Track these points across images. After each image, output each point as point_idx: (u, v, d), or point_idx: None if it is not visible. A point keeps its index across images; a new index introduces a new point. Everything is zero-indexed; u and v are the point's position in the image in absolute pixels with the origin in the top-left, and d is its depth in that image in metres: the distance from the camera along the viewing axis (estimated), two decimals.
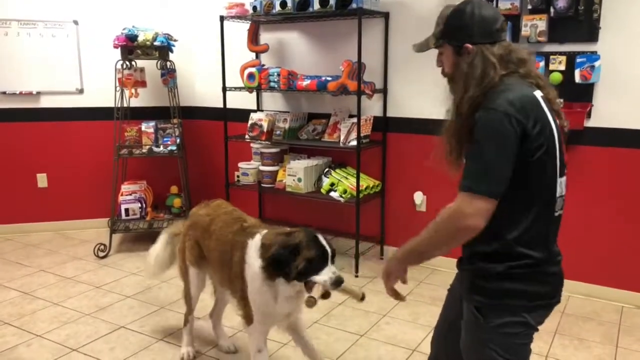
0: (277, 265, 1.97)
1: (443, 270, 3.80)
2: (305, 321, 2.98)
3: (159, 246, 2.73)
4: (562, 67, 3.20)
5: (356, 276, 3.76)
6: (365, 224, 3.93)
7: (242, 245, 2.15)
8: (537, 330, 1.54)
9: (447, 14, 1.55)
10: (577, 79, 3.14)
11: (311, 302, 1.98)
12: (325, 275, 1.94)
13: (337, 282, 1.93)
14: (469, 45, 1.48)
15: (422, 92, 3.59)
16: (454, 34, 1.52)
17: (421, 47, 1.66)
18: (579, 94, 3.21)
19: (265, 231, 2.18)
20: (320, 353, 2.46)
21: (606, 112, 3.17)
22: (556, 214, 1.50)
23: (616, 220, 3.25)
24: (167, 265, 2.76)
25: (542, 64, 3.23)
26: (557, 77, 3.21)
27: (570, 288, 3.41)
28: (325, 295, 2.00)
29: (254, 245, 2.11)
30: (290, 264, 1.95)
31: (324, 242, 1.99)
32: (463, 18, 1.50)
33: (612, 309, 3.24)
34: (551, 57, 3.23)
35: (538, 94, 1.47)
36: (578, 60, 3.14)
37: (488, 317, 1.48)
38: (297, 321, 2.34)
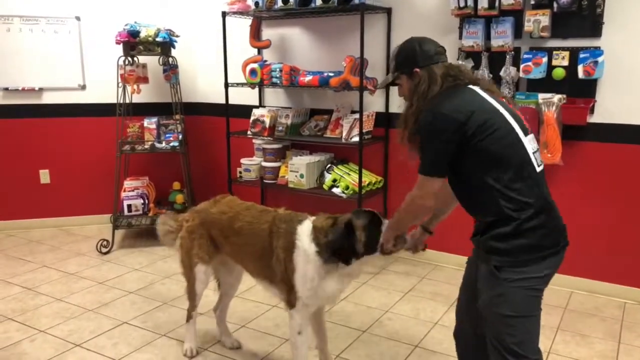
0: (341, 250, 2.05)
1: (444, 267, 3.81)
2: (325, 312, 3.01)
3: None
4: (565, 63, 3.19)
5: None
6: None
7: (289, 232, 2.21)
8: (550, 278, 1.76)
9: (395, 53, 1.96)
10: (581, 74, 3.13)
11: (401, 242, 2.04)
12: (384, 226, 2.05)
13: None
14: (417, 69, 1.86)
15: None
16: (405, 65, 1.90)
17: (383, 83, 2.14)
18: (582, 90, 3.20)
19: (313, 217, 2.25)
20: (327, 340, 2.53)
21: (609, 108, 3.16)
22: (538, 169, 1.74)
23: (619, 216, 3.24)
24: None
25: (545, 59, 3.22)
26: (560, 73, 3.20)
27: (573, 284, 3.41)
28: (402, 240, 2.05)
29: (305, 231, 2.17)
30: (353, 244, 2.03)
31: (369, 209, 2.11)
32: (408, 51, 1.90)
33: (614, 305, 3.23)
34: (554, 52, 3.21)
35: (477, 88, 1.81)
36: (581, 55, 3.12)
37: (505, 274, 1.70)
38: (321, 313, 2.45)
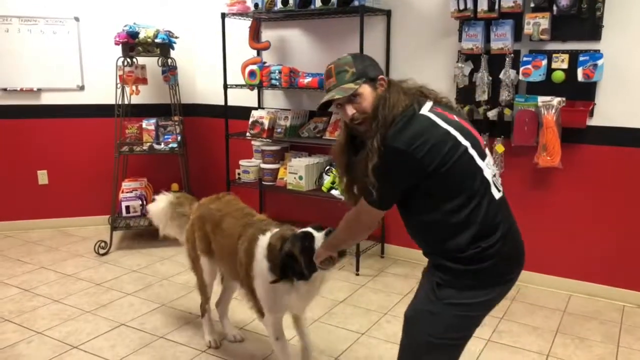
0: (285, 273, 2.06)
1: None
2: (306, 319, 3.00)
3: (159, 205, 2.80)
4: (565, 66, 3.19)
5: (357, 274, 3.75)
6: None
7: (252, 239, 2.22)
8: (494, 304, 1.70)
9: (350, 60, 1.70)
10: (580, 77, 3.12)
11: (331, 262, 1.99)
12: (319, 243, 2.00)
13: (330, 233, 1.99)
14: (384, 77, 1.69)
15: None
16: (368, 71, 1.68)
17: (344, 92, 1.68)
18: (581, 93, 3.20)
19: (275, 230, 2.23)
20: (312, 343, 2.53)
21: (609, 111, 3.16)
22: (497, 195, 1.65)
23: (618, 220, 3.24)
24: (165, 221, 2.80)
25: (544, 62, 3.21)
26: (559, 76, 3.20)
27: (572, 287, 3.40)
28: (341, 254, 2.00)
29: (263, 243, 2.17)
30: (297, 269, 2.03)
31: (304, 229, 2.07)
32: (366, 59, 1.74)
33: (613, 308, 3.23)
34: (554, 55, 3.21)
35: (428, 111, 1.62)
36: (581, 58, 3.12)
37: (444, 292, 1.63)
38: (301, 317, 2.43)
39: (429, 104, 1.66)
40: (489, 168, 1.64)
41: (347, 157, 1.79)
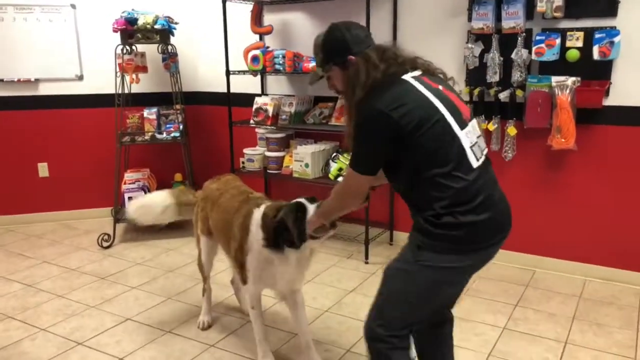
0: (276, 238, 2.08)
1: None
2: (316, 309, 2.94)
3: (156, 197, 2.78)
4: (580, 44, 3.07)
5: (366, 262, 3.67)
6: (375, 210, 3.83)
7: (247, 213, 2.27)
8: (474, 270, 1.74)
9: (320, 43, 1.81)
10: (596, 55, 3.01)
11: (322, 230, 2.01)
12: (311, 213, 2.01)
13: (320, 205, 2.00)
14: (352, 57, 1.73)
15: None
16: (336, 54, 1.76)
17: (313, 79, 1.92)
18: (597, 72, 3.09)
19: (268, 202, 2.29)
20: (310, 332, 2.50)
21: (626, 90, 3.04)
22: (476, 164, 1.64)
23: (635, 202, 3.14)
24: (152, 216, 2.76)
25: (558, 41, 3.10)
26: (574, 55, 3.09)
27: (588, 272, 3.32)
28: (332, 224, 2.03)
29: (257, 215, 2.21)
30: (288, 237, 2.05)
31: (297, 199, 2.08)
32: (337, 39, 1.77)
33: (631, 292, 3.14)
34: (568, 33, 3.09)
35: (411, 77, 1.68)
36: (596, 36, 3.00)
37: (423, 255, 1.65)
38: (296, 296, 2.41)
39: (415, 72, 1.71)
40: (467, 137, 1.65)
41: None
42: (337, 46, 1.76)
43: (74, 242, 4.10)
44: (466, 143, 1.64)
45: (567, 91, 3.10)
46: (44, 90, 4.38)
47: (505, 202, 1.75)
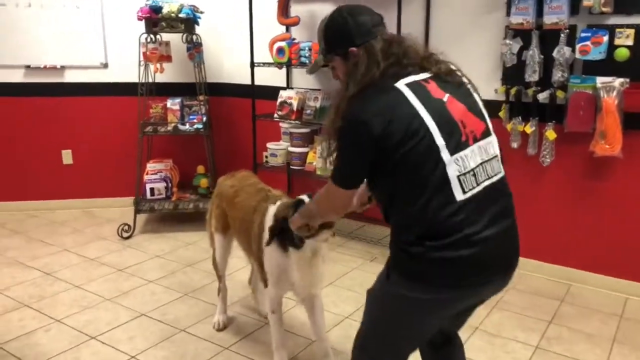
0: (279, 237, 2.02)
1: None
2: (336, 315, 2.82)
3: None
4: (630, 42, 2.84)
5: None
6: None
7: (264, 211, 2.20)
8: (450, 307, 1.53)
9: (322, 30, 1.64)
10: None
11: (307, 230, 1.85)
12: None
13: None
14: (354, 49, 1.54)
15: (467, 67, 3.27)
16: (337, 45, 1.59)
17: (312, 69, 1.81)
18: None
19: (285, 199, 2.20)
20: (328, 339, 2.42)
21: None
22: (460, 197, 1.41)
23: None
24: None
25: (605, 38, 2.88)
26: (623, 54, 2.87)
27: (629, 289, 3.09)
28: (325, 225, 1.88)
29: (271, 214, 2.13)
30: (290, 236, 1.96)
31: (299, 196, 1.99)
32: (339, 28, 1.58)
33: None
34: (617, 30, 2.87)
35: (407, 84, 1.47)
36: None
37: (392, 279, 1.51)
38: (314, 300, 2.32)
39: (419, 76, 1.50)
40: (456, 164, 1.42)
41: None
42: (339, 35, 1.58)
43: (95, 231, 4.08)
44: (453, 171, 1.41)
45: (614, 93, 2.89)
46: (70, 77, 4.36)
47: (510, 238, 1.51)
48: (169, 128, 4.13)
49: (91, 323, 2.75)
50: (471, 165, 1.44)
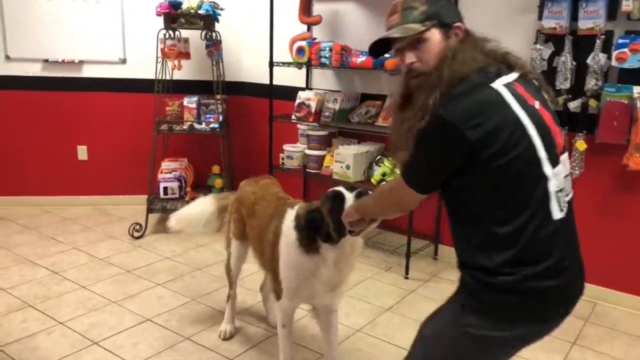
0: (310, 232, 1.88)
1: None
2: (347, 328, 2.70)
3: (199, 205, 2.63)
4: None
5: (406, 277, 3.39)
6: (419, 220, 3.54)
7: (281, 215, 2.09)
8: (527, 342, 1.38)
9: None
10: None
11: (360, 225, 1.74)
12: (349, 202, 1.77)
13: (360, 194, 1.78)
14: (461, 24, 1.33)
15: None
16: (443, 13, 1.33)
17: (407, 32, 1.34)
18: None
19: (303, 204, 2.10)
20: (339, 357, 2.29)
21: None
22: (557, 216, 1.28)
23: None
24: (197, 226, 2.62)
25: None
26: None
27: None
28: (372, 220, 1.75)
29: (290, 217, 2.02)
30: (323, 228, 1.84)
31: (336, 188, 1.86)
32: None
33: None
34: None
35: (503, 85, 1.28)
36: None
37: (467, 318, 1.33)
38: (331, 317, 2.21)
39: (508, 77, 1.32)
40: (556, 179, 1.29)
41: (400, 115, 1.44)
42: (446, 2, 1.36)
43: (106, 230, 4.02)
44: (553, 187, 1.28)
45: None
46: (88, 72, 4.32)
47: (582, 267, 1.41)
48: (185, 127, 4.05)
49: (95, 327, 2.67)
50: (561, 182, 1.32)
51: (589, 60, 2.85)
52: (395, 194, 1.45)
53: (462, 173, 1.28)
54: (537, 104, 1.33)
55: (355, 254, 1.97)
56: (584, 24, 2.85)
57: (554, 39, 2.98)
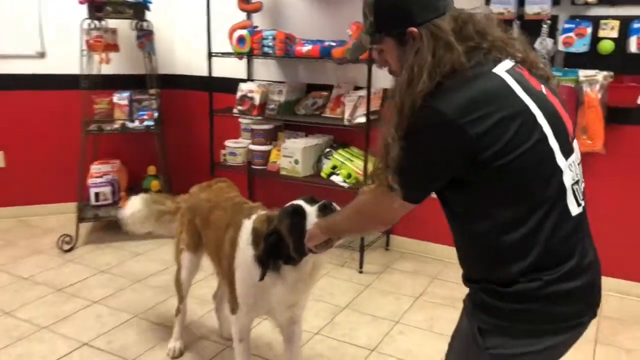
0: (269, 258, 1.71)
1: (456, 263, 3.31)
2: (305, 332, 2.53)
3: (136, 204, 2.40)
4: (614, 34, 2.72)
5: (360, 272, 3.28)
6: None
7: (237, 226, 1.93)
8: (556, 355, 1.24)
9: (372, 2, 1.23)
10: (633, 48, 2.67)
11: (326, 245, 1.58)
12: (312, 219, 1.60)
13: (325, 208, 1.60)
14: (414, 29, 1.17)
15: None
16: (392, 22, 1.21)
17: (355, 52, 1.43)
18: (632, 66, 2.72)
19: (262, 212, 1.93)
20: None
21: None
22: (575, 211, 1.17)
23: None
24: (143, 223, 2.42)
25: (589, 30, 2.74)
26: (607, 46, 2.74)
27: (611, 287, 2.95)
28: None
29: (247, 229, 1.86)
30: (283, 251, 1.68)
31: (294, 202, 1.70)
32: (396, 0, 1.20)
33: None
34: (601, 22, 2.74)
35: (504, 72, 1.15)
36: (634, 25, 2.64)
37: (490, 341, 1.19)
38: (294, 327, 2.07)
39: (507, 63, 1.19)
40: (570, 170, 1.17)
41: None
42: (394, 8, 1.20)
43: (30, 244, 3.61)
44: (568, 179, 1.16)
45: (597, 87, 2.73)
46: (1, 68, 3.86)
47: (599, 264, 1.28)
48: (116, 126, 3.72)
49: (23, 359, 2.35)
50: (577, 174, 1.20)
51: (536, 45, 2.85)
52: (376, 207, 1.27)
53: (464, 176, 1.14)
54: (544, 89, 1.21)
55: (317, 273, 1.81)
56: (530, 9, 2.85)
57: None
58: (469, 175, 1.13)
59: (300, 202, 1.68)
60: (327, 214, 1.58)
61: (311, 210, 1.62)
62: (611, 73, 2.73)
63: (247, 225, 1.86)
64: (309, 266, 1.73)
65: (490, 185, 1.13)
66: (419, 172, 1.17)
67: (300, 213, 1.63)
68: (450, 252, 3.33)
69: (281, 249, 1.67)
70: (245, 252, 1.82)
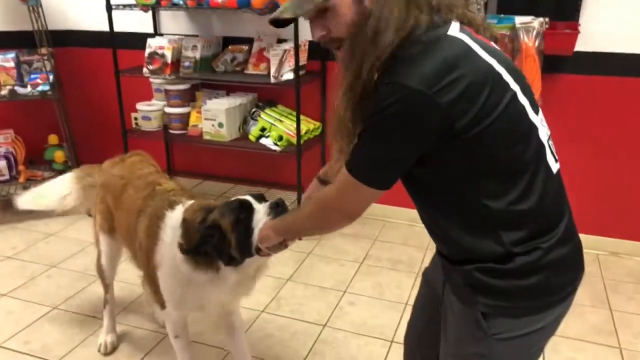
0: (211, 259, 1.52)
1: (396, 223, 3.30)
2: (250, 311, 2.40)
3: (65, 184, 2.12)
4: None
5: (300, 238, 3.14)
6: (304, 174, 3.28)
7: (156, 216, 1.69)
8: (553, 331, 1.19)
9: None
10: None
11: (280, 247, 1.41)
12: (260, 217, 1.45)
13: (277, 206, 1.45)
14: None
15: None
16: None
17: (297, 9, 1.09)
18: (562, 11, 2.70)
19: (189, 202, 1.68)
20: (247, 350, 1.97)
21: (594, 34, 2.67)
22: (555, 168, 1.12)
23: (605, 160, 2.85)
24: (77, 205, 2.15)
25: None
26: None
27: None
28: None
29: (173, 220, 1.63)
30: (226, 249, 1.48)
31: (240, 197, 1.54)
32: None
33: (588, 258, 2.96)
34: None
35: (460, 31, 1.05)
36: None
37: (496, 326, 1.11)
38: (233, 318, 1.90)
39: (455, 25, 1.06)
40: (543, 125, 1.11)
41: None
42: None
43: None
44: (543, 135, 1.09)
45: (534, 34, 2.68)
46: None
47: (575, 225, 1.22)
48: (4, 93, 3.23)
49: None
50: (548, 130, 1.13)
51: None
52: (342, 199, 1.11)
53: (436, 151, 1.02)
54: (495, 46, 1.10)
55: (260, 275, 1.63)
56: None
57: None
58: (447, 148, 1.01)
59: (248, 197, 1.51)
60: (279, 213, 1.43)
61: (260, 208, 1.47)
62: (547, 19, 2.65)
63: (172, 218, 1.63)
64: (252, 268, 1.56)
65: (470, 155, 1.02)
66: (388, 154, 1.03)
67: (247, 209, 1.47)
68: (389, 212, 3.32)
69: (221, 247, 1.48)
70: (170, 248, 1.61)
